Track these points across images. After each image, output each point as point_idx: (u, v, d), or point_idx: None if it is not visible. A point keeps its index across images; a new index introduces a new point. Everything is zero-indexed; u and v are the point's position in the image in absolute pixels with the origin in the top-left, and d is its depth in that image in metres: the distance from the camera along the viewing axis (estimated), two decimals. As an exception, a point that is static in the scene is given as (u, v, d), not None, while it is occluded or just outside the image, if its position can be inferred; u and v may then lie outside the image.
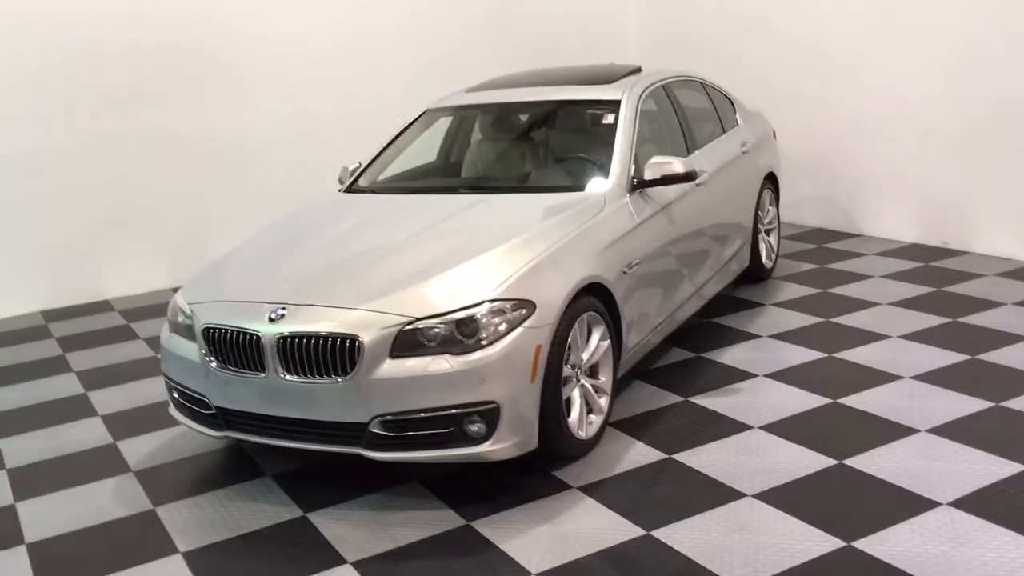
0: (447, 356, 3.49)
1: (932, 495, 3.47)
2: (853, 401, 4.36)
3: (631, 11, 9.41)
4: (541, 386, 3.62)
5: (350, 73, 8.13)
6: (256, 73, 7.74)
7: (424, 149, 5.62)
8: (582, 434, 3.91)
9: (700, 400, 4.50)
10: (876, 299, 5.85)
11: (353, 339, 3.51)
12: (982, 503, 3.39)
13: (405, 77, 8.25)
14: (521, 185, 4.96)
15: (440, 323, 3.53)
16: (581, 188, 4.60)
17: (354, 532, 3.53)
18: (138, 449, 4.48)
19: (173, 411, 4.23)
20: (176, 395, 4.15)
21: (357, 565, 3.31)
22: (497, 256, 3.85)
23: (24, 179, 6.99)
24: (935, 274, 6.32)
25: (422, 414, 3.52)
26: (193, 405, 4.02)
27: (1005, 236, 6.60)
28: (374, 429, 3.56)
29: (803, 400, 4.42)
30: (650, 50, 9.06)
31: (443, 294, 3.63)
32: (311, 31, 7.92)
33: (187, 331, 4.00)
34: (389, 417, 3.53)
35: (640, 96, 5.09)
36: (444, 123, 5.68)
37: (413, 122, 5.63)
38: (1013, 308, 5.51)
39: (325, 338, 3.55)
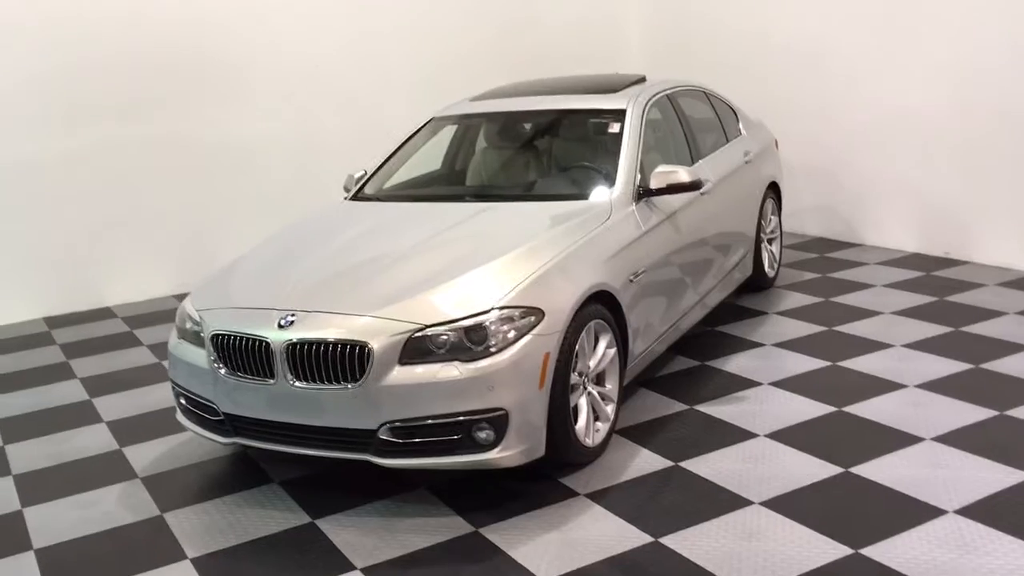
0: (456, 363, 3.51)
1: (939, 503, 3.48)
2: (858, 409, 4.38)
3: (633, 22, 9.45)
4: (549, 393, 3.64)
5: (351, 77, 8.15)
6: (257, 76, 7.76)
7: (429, 157, 5.63)
8: (589, 441, 3.92)
9: (705, 408, 4.52)
10: (878, 308, 5.87)
11: (363, 346, 3.53)
12: (988, 511, 3.40)
13: (406, 82, 8.28)
14: (527, 193, 4.98)
15: (449, 330, 3.54)
16: (587, 197, 4.62)
17: (363, 538, 3.53)
18: (144, 455, 4.49)
19: (180, 417, 4.24)
20: (184, 401, 4.16)
21: (366, 571, 3.32)
22: (505, 264, 3.86)
23: (25, 183, 7.00)
24: (937, 284, 6.35)
25: (431, 421, 3.53)
26: (201, 411, 4.03)
27: (1006, 246, 6.62)
28: (383, 436, 3.57)
29: (808, 408, 4.43)
30: (652, 60, 9.10)
31: (452, 301, 3.64)
32: (312, 35, 7.94)
33: (195, 338, 4.01)
34: (398, 424, 3.54)
35: (645, 105, 5.11)
36: (449, 132, 5.70)
37: (419, 130, 5.64)
38: (1015, 318, 5.53)
39: (334, 345, 3.57)
